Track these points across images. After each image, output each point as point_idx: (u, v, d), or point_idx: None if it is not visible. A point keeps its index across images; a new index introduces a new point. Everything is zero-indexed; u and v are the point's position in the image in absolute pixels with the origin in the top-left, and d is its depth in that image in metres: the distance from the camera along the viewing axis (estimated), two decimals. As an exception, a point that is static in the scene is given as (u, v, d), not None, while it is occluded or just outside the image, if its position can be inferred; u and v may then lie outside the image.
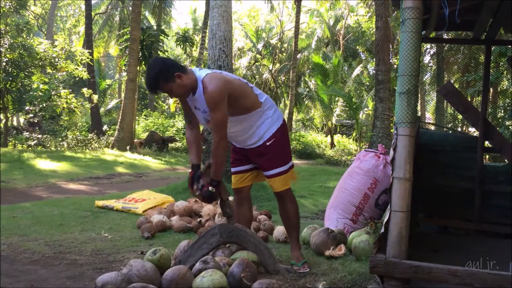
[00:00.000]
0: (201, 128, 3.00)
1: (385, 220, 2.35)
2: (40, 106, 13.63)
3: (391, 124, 11.17)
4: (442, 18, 3.15)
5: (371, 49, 23.03)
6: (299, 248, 3.06)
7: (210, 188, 2.75)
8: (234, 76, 3.03)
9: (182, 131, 18.99)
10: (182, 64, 2.82)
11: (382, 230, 2.34)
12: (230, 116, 2.79)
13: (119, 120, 15.76)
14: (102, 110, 24.41)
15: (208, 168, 2.84)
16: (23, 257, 3.08)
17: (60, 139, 15.65)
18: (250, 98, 2.88)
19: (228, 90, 2.72)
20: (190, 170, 2.90)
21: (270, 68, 25.92)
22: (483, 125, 4.00)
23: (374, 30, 12.57)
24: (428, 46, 12.04)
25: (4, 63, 13.58)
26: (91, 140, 15.73)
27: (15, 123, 24.75)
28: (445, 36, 9.08)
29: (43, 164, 10.10)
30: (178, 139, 17.80)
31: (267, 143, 2.91)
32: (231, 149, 3.20)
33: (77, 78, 18.24)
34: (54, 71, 15.45)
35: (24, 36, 15.96)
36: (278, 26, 27.13)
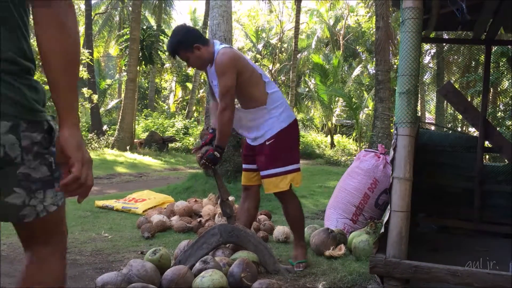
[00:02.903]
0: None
1: (385, 220, 2.35)
2: (40, 106, 13.60)
3: (391, 124, 11.17)
4: (442, 18, 3.16)
5: (371, 49, 23.05)
6: (300, 247, 3.02)
7: (215, 153, 2.79)
8: (252, 63, 3.01)
9: (182, 131, 18.97)
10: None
11: (382, 230, 2.34)
12: (240, 108, 2.88)
13: (119, 120, 15.74)
14: (102, 110, 24.39)
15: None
16: (23, 257, 3.07)
17: (60, 139, 15.59)
18: (259, 90, 2.90)
19: (238, 66, 2.78)
20: (207, 137, 2.95)
21: (270, 68, 25.92)
22: (483, 125, 4.01)
23: (374, 30, 12.58)
24: (428, 46, 12.06)
25: (4, 63, 13.57)
26: (91, 140, 15.71)
27: (15, 123, 24.67)
28: (445, 36, 9.09)
29: (43, 164, 10.06)
30: (178, 139, 17.78)
31: (267, 143, 2.91)
32: (243, 145, 3.22)
33: (77, 78, 18.22)
34: (54, 71, 15.43)
35: (24, 36, 15.93)
36: (278, 26, 27.13)
